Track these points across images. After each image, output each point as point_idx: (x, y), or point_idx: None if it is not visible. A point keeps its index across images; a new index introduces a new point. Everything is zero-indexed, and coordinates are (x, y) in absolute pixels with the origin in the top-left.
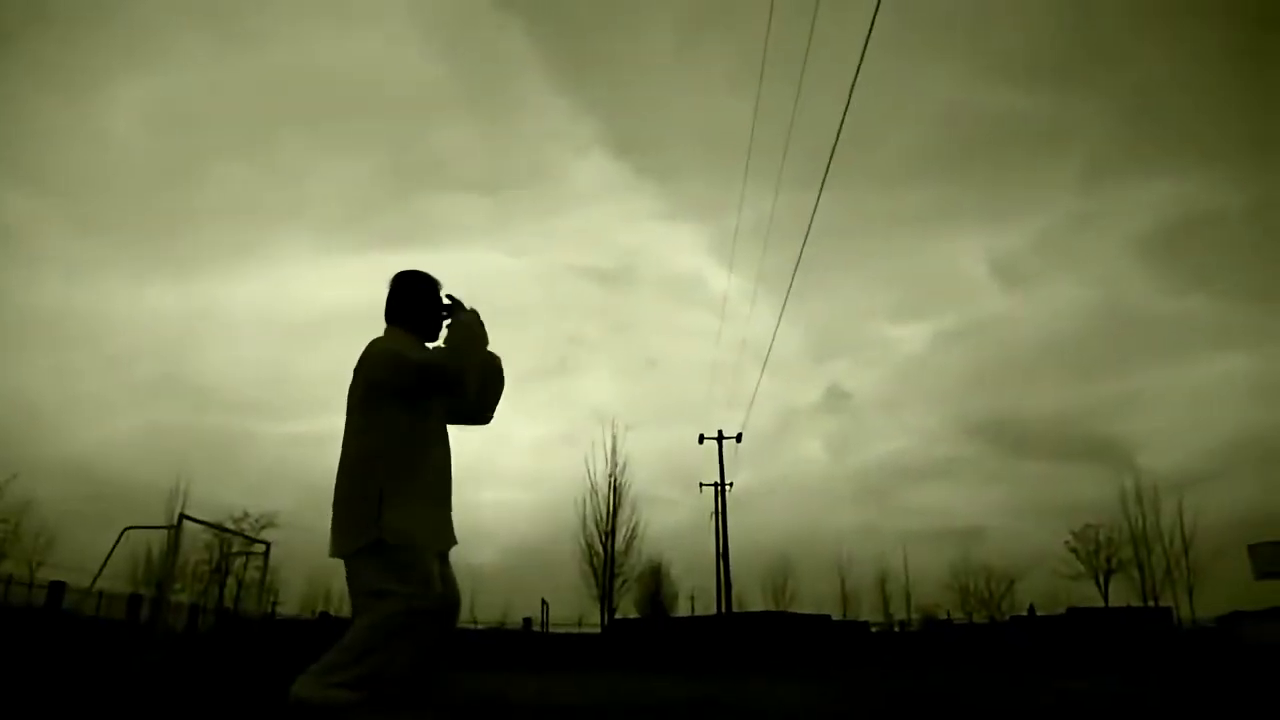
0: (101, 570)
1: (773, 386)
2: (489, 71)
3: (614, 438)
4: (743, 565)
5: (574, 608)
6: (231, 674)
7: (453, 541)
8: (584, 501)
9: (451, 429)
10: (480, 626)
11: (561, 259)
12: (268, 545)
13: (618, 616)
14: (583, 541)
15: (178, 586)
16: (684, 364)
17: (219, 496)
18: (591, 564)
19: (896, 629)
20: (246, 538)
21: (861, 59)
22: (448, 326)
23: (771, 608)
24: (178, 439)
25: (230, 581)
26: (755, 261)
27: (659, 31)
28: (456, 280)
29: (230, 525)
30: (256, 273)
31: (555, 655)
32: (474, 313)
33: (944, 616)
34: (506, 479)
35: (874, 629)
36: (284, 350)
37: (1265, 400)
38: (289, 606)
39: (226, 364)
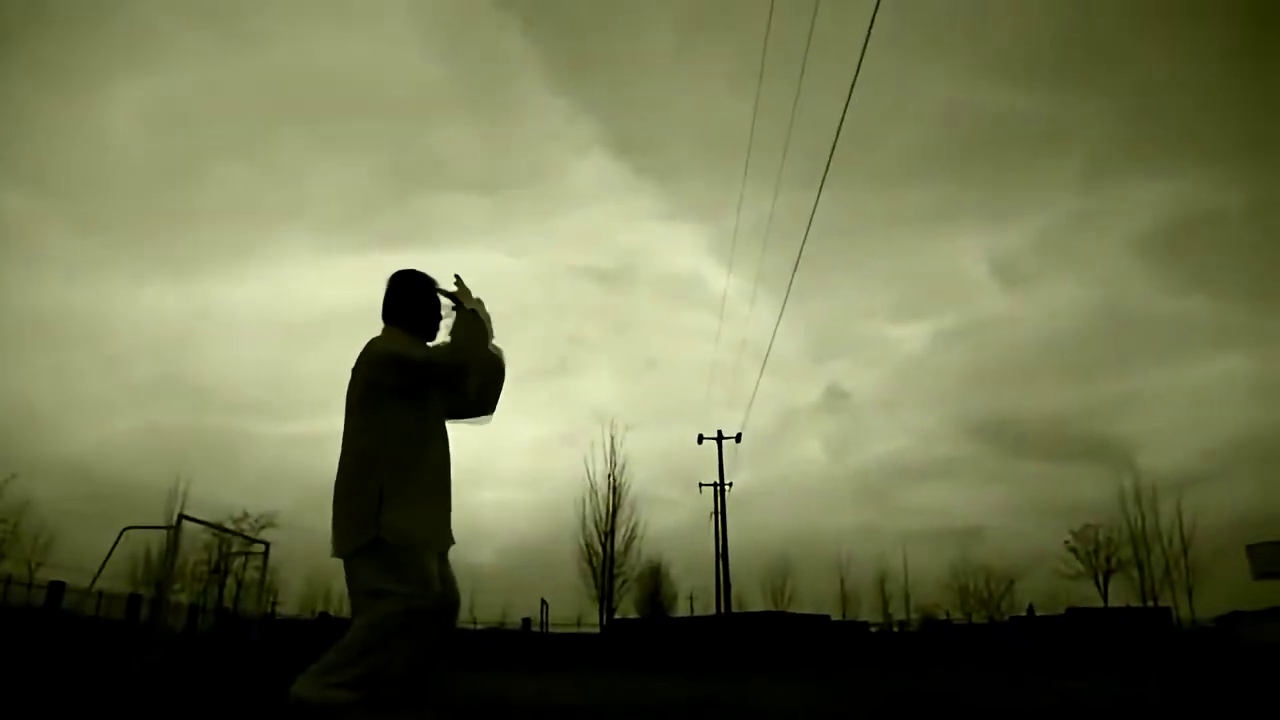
0: (101, 570)
1: (772, 386)
2: (488, 72)
3: (613, 438)
4: (742, 565)
5: (573, 608)
6: (231, 674)
7: (452, 541)
8: (583, 501)
9: (452, 429)
10: (479, 626)
11: (561, 259)
12: (267, 545)
13: (617, 617)
14: (582, 541)
15: (177, 587)
16: (684, 364)
17: (218, 497)
18: (591, 564)
19: (896, 629)
20: (246, 538)
21: (861, 59)
22: (454, 314)
23: (771, 608)
24: (177, 439)
25: (230, 581)
26: (755, 261)
27: (659, 31)
28: None
29: (230, 525)
30: (256, 273)
31: (555, 655)
32: (479, 302)
33: (943, 617)
34: (506, 479)
35: (873, 629)
36: (284, 350)
37: (1265, 400)
38: (289, 607)
39: (226, 364)
